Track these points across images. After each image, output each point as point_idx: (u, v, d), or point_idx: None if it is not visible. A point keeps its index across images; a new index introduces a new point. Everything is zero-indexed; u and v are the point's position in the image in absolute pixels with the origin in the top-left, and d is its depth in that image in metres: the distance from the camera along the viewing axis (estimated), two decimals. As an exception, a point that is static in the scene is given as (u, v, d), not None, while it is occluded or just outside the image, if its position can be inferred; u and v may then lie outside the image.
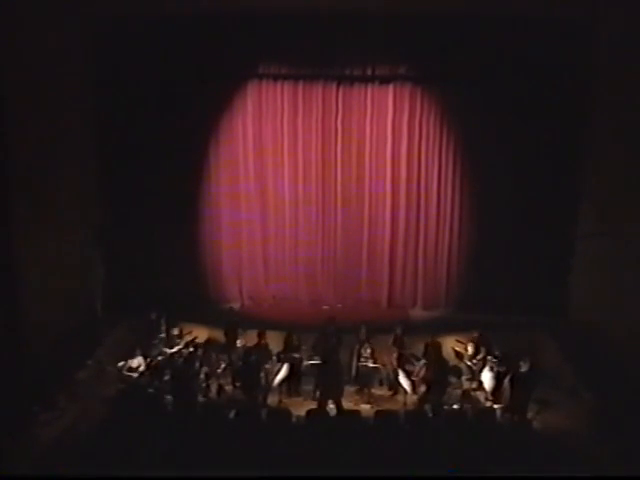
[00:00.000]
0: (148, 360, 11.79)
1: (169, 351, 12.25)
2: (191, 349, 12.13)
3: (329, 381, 11.18)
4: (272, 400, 11.50)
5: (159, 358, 12.00)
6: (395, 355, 12.03)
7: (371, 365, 11.88)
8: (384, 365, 12.06)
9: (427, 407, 10.81)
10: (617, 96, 13.12)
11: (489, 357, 11.87)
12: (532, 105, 14.09)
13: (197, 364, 11.63)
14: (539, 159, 14.40)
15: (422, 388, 11.22)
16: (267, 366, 11.56)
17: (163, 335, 12.62)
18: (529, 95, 14.03)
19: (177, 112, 14.46)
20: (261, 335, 12.01)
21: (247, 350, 11.80)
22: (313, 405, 11.16)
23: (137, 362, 11.68)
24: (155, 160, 14.65)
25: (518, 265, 14.82)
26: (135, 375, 11.49)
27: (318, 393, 11.37)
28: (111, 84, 14.18)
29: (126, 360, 11.67)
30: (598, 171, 13.85)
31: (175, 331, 12.67)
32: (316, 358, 11.91)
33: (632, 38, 12.60)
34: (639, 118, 12.65)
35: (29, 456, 9.64)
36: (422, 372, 11.17)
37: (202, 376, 11.54)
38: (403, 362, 11.86)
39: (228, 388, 11.84)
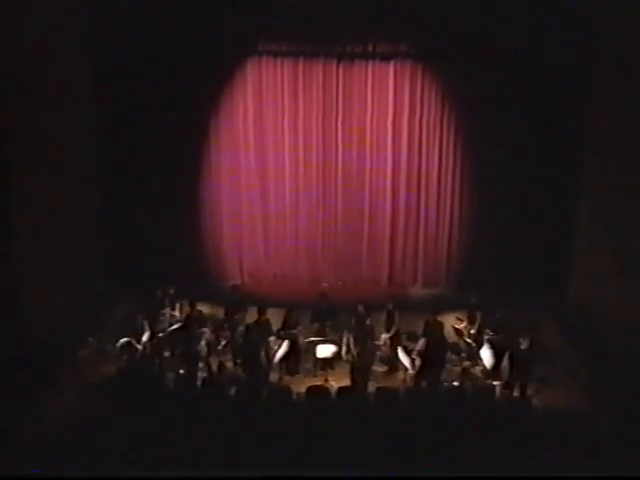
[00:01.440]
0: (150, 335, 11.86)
1: (170, 328, 12.32)
2: (193, 327, 12.15)
3: (365, 363, 11.27)
4: (272, 377, 11.55)
5: (160, 335, 12.07)
6: (388, 334, 12.09)
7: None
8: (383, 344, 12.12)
9: (426, 384, 10.88)
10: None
11: (487, 330, 11.92)
12: (532, 83, 13.99)
13: (199, 341, 11.66)
14: (540, 135, 14.31)
15: (420, 364, 11.22)
16: (271, 339, 11.66)
17: (167, 311, 12.73)
18: (529, 73, 13.93)
19: (177, 90, 14.36)
20: (261, 312, 12.04)
21: (248, 327, 11.83)
22: (313, 382, 11.23)
23: (142, 329, 11.73)
24: (155, 138, 14.56)
25: (519, 245, 14.79)
26: (140, 347, 11.56)
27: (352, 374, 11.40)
28: (110, 63, 14.03)
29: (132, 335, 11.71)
30: (599, 150, 13.79)
31: (177, 308, 12.79)
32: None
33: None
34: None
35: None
36: (422, 349, 11.17)
37: (203, 353, 11.59)
38: (399, 339, 11.88)
39: (229, 365, 11.92)
